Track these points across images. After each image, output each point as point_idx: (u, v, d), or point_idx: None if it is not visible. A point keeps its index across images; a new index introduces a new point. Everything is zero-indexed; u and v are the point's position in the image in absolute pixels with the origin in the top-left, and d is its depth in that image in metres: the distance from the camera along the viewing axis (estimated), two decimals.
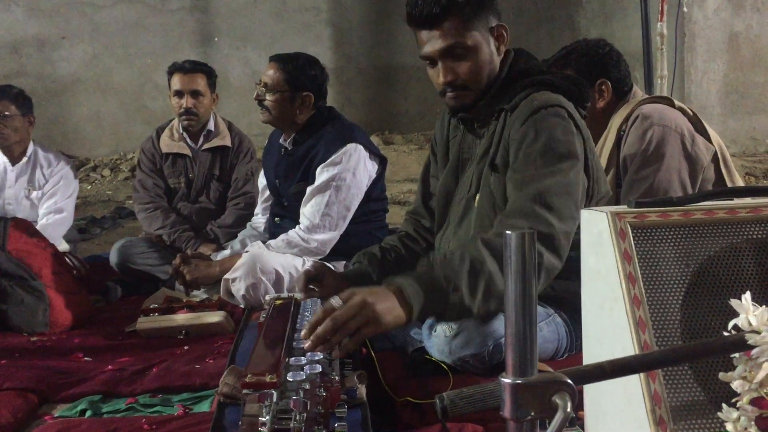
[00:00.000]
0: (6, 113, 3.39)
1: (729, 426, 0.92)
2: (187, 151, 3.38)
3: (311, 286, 2.06)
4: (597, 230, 1.19)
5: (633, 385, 1.06)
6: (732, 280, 1.12)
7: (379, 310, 1.54)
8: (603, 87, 2.40)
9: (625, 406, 1.10)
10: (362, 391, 1.51)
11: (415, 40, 1.92)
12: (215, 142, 3.38)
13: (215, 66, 3.53)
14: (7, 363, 2.12)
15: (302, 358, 1.52)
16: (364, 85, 8.11)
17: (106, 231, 5.06)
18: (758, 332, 0.88)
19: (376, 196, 2.88)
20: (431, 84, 1.94)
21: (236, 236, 3.15)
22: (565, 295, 1.83)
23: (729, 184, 2.32)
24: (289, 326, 1.76)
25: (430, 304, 1.61)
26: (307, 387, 1.36)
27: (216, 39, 7.81)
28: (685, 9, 5.81)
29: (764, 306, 0.90)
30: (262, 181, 3.13)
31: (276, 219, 2.95)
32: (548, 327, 1.88)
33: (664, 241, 1.15)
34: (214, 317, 2.48)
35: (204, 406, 1.80)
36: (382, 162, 2.88)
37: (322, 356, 1.52)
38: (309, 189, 2.76)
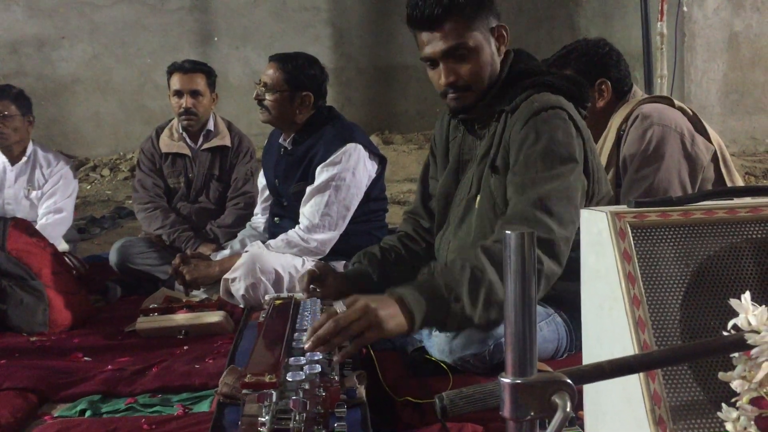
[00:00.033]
0: (6, 113, 3.39)
1: (728, 426, 0.92)
2: (187, 151, 3.38)
3: (313, 286, 2.06)
4: (597, 230, 1.19)
5: (632, 384, 1.06)
6: (731, 279, 1.12)
7: (382, 315, 1.54)
8: (603, 87, 2.40)
9: (625, 406, 1.10)
10: (362, 390, 1.51)
11: (414, 40, 1.91)
12: (215, 142, 3.38)
13: (215, 66, 3.52)
14: (7, 363, 2.12)
15: (302, 358, 1.52)
16: (364, 85, 8.11)
17: (106, 231, 5.06)
18: (758, 332, 0.88)
19: (375, 195, 2.88)
20: (431, 84, 1.94)
21: (236, 236, 3.15)
22: (565, 294, 1.83)
23: (729, 184, 2.32)
24: (289, 326, 1.76)
25: (432, 313, 1.61)
26: (307, 387, 1.36)
27: (215, 39, 7.81)
28: (684, 8, 5.81)
29: (764, 306, 0.90)
30: (261, 180, 3.13)
31: (275, 219, 2.94)
32: (548, 327, 1.88)
33: (663, 240, 1.15)
34: (214, 317, 2.48)
35: (203, 406, 1.80)
36: (381, 162, 2.88)
37: (321, 356, 1.52)
38: (308, 189, 2.76)
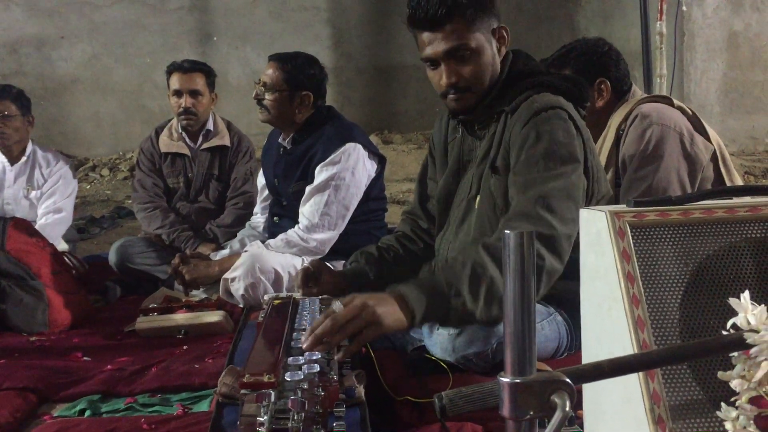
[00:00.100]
0: (6, 113, 3.39)
1: (728, 425, 0.92)
2: (186, 151, 3.38)
3: (309, 284, 2.06)
4: (596, 229, 1.19)
5: (632, 384, 1.06)
6: (731, 279, 1.12)
7: (380, 312, 1.54)
8: (602, 86, 2.40)
9: (624, 405, 1.10)
10: (361, 390, 1.51)
11: (414, 40, 1.91)
12: (214, 142, 3.38)
13: (214, 65, 3.53)
14: (7, 363, 2.12)
15: (300, 357, 1.51)
16: (363, 85, 8.11)
17: (105, 231, 5.06)
18: (757, 331, 0.88)
19: (375, 195, 2.88)
20: (430, 84, 1.94)
21: (235, 236, 3.15)
22: (565, 294, 1.83)
23: (728, 183, 2.32)
24: (288, 326, 1.75)
25: (432, 309, 1.61)
26: (306, 386, 1.36)
27: (215, 38, 7.81)
28: (684, 8, 5.80)
29: (763, 305, 0.90)
30: (261, 180, 3.13)
31: (275, 218, 2.94)
32: (549, 326, 1.88)
33: (663, 240, 1.15)
34: (213, 317, 2.48)
35: (203, 406, 1.80)
36: (381, 161, 2.88)
37: (320, 356, 1.52)
38: (308, 188, 2.76)
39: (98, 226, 5.10)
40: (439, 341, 1.79)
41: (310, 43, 7.35)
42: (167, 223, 3.26)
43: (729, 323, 0.92)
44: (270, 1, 7.82)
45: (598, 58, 2.39)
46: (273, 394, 1.30)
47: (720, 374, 0.94)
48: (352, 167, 2.72)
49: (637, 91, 2.46)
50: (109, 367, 2.08)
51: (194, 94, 3.28)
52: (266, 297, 2.16)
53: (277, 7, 7.83)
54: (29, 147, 3.54)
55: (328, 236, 2.74)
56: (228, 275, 2.66)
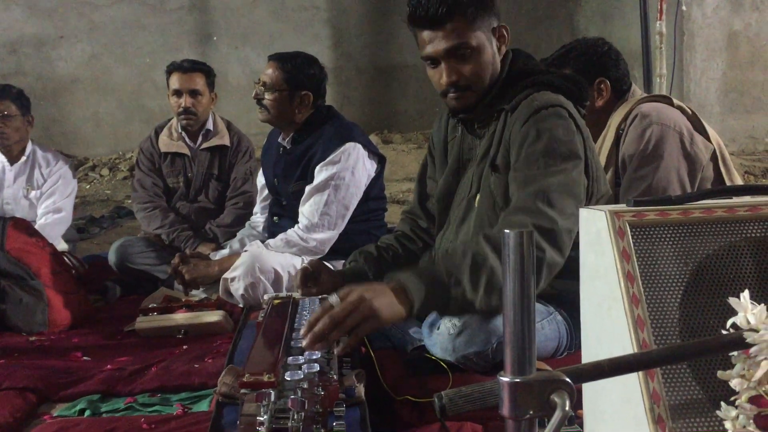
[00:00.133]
0: (6, 113, 3.39)
1: (728, 424, 0.92)
2: (186, 151, 3.37)
3: (308, 284, 2.06)
4: (596, 229, 1.19)
5: (632, 383, 1.06)
6: (730, 278, 1.12)
7: (377, 305, 1.53)
8: (602, 86, 2.40)
9: (624, 405, 1.10)
10: (361, 389, 1.51)
11: (414, 39, 1.91)
12: (214, 142, 3.38)
13: (214, 65, 3.52)
14: (6, 362, 2.12)
15: (300, 357, 1.51)
16: (363, 84, 8.11)
17: (105, 230, 5.06)
18: (756, 330, 0.88)
19: (374, 195, 2.88)
20: (430, 83, 1.94)
21: (235, 235, 3.15)
22: (565, 293, 1.83)
23: (728, 183, 2.32)
24: (288, 325, 1.75)
25: (432, 298, 1.61)
26: (305, 386, 1.36)
27: (215, 38, 7.81)
28: (684, 8, 5.80)
29: (762, 304, 0.90)
30: (260, 180, 3.13)
31: (275, 218, 2.94)
32: (549, 325, 1.88)
33: (662, 239, 1.14)
34: (213, 317, 2.48)
35: (203, 406, 1.80)
36: (380, 161, 2.88)
37: (320, 355, 1.52)
38: (308, 188, 2.76)
39: (98, 225, 5.10)
40: (439, 341, 1.79)
41: (309, 43, 7.34)
42: (167, 222, 3.26)
43: (729, 322, 0.92)
44: (270, 1, 7.82)
45: (597, 58, 2.39)
46: (273, 393, 1.30)
47: (720, 373, 0.94)
48: (351, 167, 2.72)
49: (637, 91, 2.46)
50: (108, 366, 2.08)
51: (194, 93, 3.28)
52: (266, 297, 2.16)
53: (277, 7, 7.83)
54: (29, 147, 3.54)
55: (327, 236, 2.74)
56: (228, 275, 2.66)
